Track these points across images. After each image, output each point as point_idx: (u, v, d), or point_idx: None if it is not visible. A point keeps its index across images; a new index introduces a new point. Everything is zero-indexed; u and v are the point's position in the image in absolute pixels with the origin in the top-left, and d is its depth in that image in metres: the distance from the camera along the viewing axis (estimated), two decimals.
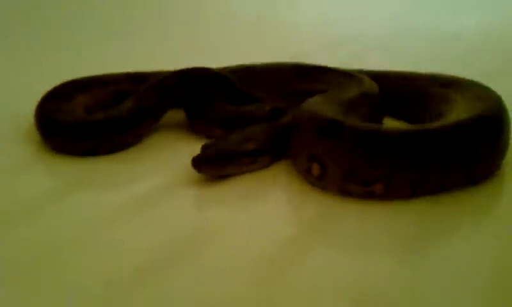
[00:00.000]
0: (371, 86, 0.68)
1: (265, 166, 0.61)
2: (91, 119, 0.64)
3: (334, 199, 0.55)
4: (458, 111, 0.60)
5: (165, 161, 0.63)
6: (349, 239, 0.50)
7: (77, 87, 0.71)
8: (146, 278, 0.45)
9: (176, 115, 0.73)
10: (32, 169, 0.63)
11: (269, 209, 0.54)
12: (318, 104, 0.60)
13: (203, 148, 0.59)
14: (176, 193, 0.57)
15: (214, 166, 0.58)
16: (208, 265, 0.46)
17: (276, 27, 1.33)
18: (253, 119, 0.67)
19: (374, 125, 0.56)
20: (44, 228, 0.52)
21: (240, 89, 0.71)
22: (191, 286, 0.44)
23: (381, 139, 0.53)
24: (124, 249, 0.48)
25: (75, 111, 0.67)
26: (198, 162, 0.57)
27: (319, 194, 0.56)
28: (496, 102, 0.60)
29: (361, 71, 0.75)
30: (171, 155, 0.64)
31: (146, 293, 0.43)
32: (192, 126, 0.70)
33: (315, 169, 0.56)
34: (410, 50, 1.16)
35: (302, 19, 1.40)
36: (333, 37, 1.25)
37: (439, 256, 0.47)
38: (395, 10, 1.44)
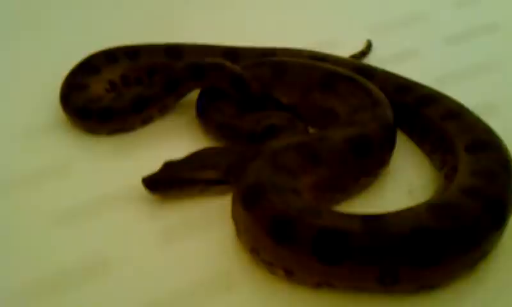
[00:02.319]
0: (376, 122, 0.60)
1: (221, 195, 0.60)
2: (92, 106, 0.69)
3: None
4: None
5: (148, 156, 0.64)
6: None
7: (108, 58, 0.74)
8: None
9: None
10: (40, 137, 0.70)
11: (189, 247, 0.55)
12: (269, 157, 0.56)
13: (164, 166, 0.60)
14: (118, 204, 0.60)
15: (164, 189, 0.59)
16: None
17: None
18: (245, 134, 0.65)
19: (299, 202, 0.51)
20: None
21: (254, 94, 0.68)
22: None
23: (283, 223, 0.49)
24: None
25: (93, 89, 0.71)
26: (147, 183, 0.59)
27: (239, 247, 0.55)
28: None
29: None
30: (157, 151, 0.65)
31: None
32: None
33: (233, 225, 0.55)
34: None
35: None
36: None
37: None
38: None
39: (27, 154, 0.68)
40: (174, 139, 0.69)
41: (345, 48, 0.82)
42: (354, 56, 0.82)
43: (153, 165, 0.60)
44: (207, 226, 0.57)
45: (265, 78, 0.70)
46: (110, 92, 0.73)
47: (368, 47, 0.85)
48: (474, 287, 0.51)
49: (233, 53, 0.76)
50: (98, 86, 0.72)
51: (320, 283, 0.49)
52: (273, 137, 0.63)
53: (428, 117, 0.64)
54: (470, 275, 0.51)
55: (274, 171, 0.54)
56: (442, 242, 0.47)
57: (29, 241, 0.57)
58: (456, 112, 0.63)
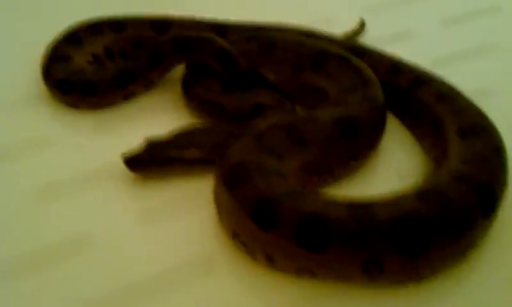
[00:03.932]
0: (366, 103, 0.58)
1: (205, 174, 0.58)
2: (73, 79, 0.66)
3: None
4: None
5: (130, 133, 0.62)
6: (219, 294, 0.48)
7: (91, 30, 0.71)
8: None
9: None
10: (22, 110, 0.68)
11: (169, 229, 0.53)
12: (254, 137, 0.53)
13: (145, 143, 0.58)
14: (98, 181, 0.58)
15: (145, 168, 0.57)
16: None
17: None
18: (231, 112, 0.63)
19: (283, 185, 0.49)
20: None
21: (244, 72, 0.66)
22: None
23: (266, 207, 0.47)
24: None
25: (76, 61, 0.68)
26: (128, 161, 0.56)
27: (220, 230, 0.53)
28: None
29: None
30: (140, 128, 0.63)
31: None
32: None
33: (215, 207, 0.52)
34: None
35: None
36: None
37: None
38: None
39: (4, 127, 0.65)
40: (158, 116, 0.66)
41: (339, 27, 0.79)
42: (347, 35, 0.80)
43: (135, 143, 0.58)
44: (189, 207, 0.55)
45: (254, 54, 0.67)
46: (93, 64, 0.70)
47: (362, 26, 0.82)
48: (464, 278, 0.49)
49: (222, 28, 0.73)
50: (81, 58, 0.69)
51: (302, 271, 0.47)
52: (260, 116, 0.61)
53: (419, 100, 0.62)
54: (460, 266, 0.49)
55: (259, 151, 0.52)
56: (430, 229, 0.45)
57: (4, 217, 0.56)
58: (448, 95, 0.61)
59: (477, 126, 0.56)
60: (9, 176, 0.60)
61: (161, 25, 0.73)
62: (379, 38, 0.79)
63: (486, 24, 0.84)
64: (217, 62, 0.65)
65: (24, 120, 0.66)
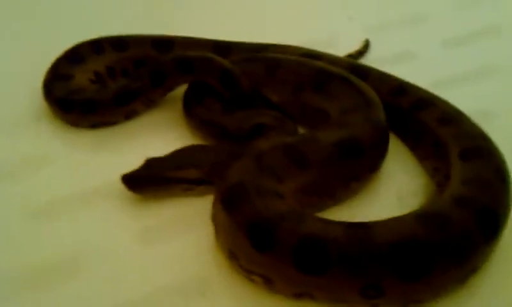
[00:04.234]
0: (369, 124, 0.57)
1: (205, 195, 0.57)
2: (74, 97, 0.66)
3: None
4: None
5: (131, 152, 0.61)
6: None
7: (94, 48, 0.71)
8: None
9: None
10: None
11: (167, 249, 0.53)
12: (254, 157, 0.53)
13: (145, 163, 0.58)
14: (97, 200, 0.58)
15: (145, 187, 0.57)
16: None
17: None
18: (232, 132, 0.62)
19: (282, 207, 0.48)
20: None
21: (244, 91, 0.66)
22: None
23: (264, 229, 0.46)
24: None
25: (78, 80, 0.68)
26: (127, 181, 0.56)
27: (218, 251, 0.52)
28: None
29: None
30: (140, 147, 0.62)
31: None
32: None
33: (212, 227, 0.52)
34: None
35: None
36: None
37: None
38: None
39: (5, 145, 0.65)
40: (159, 135, 0.66)
41: (339, 48, 0.79)
42: (351, 55, 0.80)
43: (135, 162, 0.58)
44: (188, 228, 0.55)
45: (256, 75, 0.67)
46: (95, 83, 0.70)
47: (366, 46, 0.82)
48: (463, 303, 0.48)
49: (225, 47, 0.74)
50: (83, 77, 0.69)
51: (301, 294, 0.47)
52: (261, 136, 0.61)
53: (422, 121, 0.62)
54: (460, 291, 0.48)
55: (259, 172, 0.52)
56: (430, 254, 0.45)
57: (2, 235, 0.55)
58: (452, 117, 0.61)
59: (480, 149, 0.55)
60: (8, 194, 0.59)
61: (163, 44, 0.73)
62: (380, 59, 0.79)
63: (486, 46, 0.84)
64: (220, 82, 0.65)
65: (25, 138, 0.66)
